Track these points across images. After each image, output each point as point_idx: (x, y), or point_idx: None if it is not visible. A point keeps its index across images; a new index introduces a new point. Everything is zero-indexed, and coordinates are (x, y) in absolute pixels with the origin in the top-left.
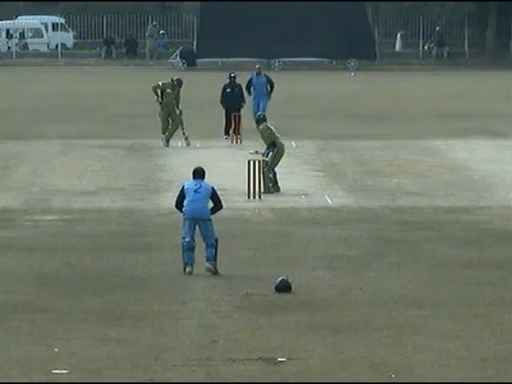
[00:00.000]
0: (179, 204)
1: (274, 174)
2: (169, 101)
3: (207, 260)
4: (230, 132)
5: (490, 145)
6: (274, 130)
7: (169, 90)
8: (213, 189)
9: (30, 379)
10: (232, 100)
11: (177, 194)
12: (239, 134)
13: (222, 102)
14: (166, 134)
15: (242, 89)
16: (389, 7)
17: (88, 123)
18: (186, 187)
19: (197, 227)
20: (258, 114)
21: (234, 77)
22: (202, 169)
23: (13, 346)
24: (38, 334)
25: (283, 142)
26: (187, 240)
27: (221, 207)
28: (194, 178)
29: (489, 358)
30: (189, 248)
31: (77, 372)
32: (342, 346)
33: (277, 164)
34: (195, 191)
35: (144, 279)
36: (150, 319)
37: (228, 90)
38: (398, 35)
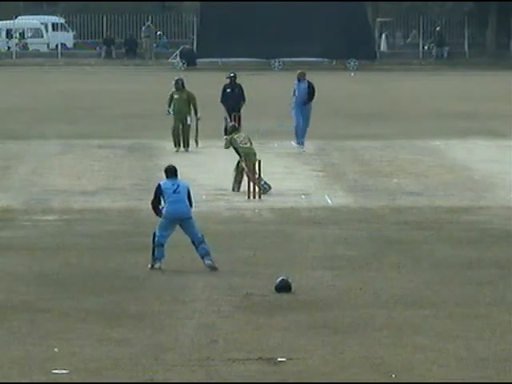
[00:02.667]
0: (156, 203)
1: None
2: (179, 108)
3: (203, 257)
4: None
5: (490, 145)
6: (242, 138)
7: (176, 96)
8: (188, 188)
9: (30, 379)
10: (232, 100)
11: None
12: None
13: (222, 101)
14: (182, 146)
15: (242, 88)
16: (389, 7)
17: (88, 123)
18: (162, 187)
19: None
20: (231, 124)
21: (233, 76)
22: (173, 167)
23: (13, 346)
24: (37, 334)
25: (251, 151)
26: (161, 235)
27: (191, 206)
28: (167, 177)
29: (489, 357)
30: (160, 243)
31: (77, 372)
32: (342, 346)
33: (253, 168)
34: (174, 192)
35: (144, 279)
36: (150, 319)
37: (228, 90)
38: (383, 35)
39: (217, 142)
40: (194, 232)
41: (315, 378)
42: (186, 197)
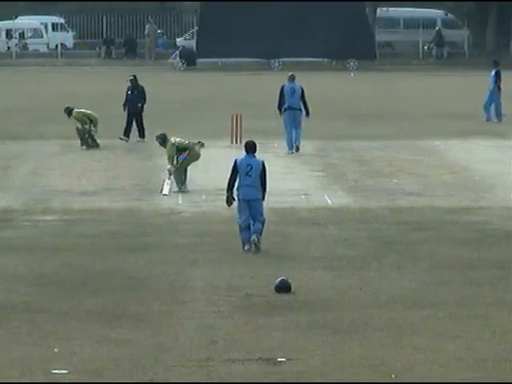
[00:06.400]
0: (232, 181)
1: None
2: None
3: (254, 232)
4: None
5: (490, 145)
6: (178, 141)
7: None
8: (263, 166)
9: (30, 379)
10: (132, 102)
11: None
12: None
13: (124, 104)
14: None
15: (143, 90)
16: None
17: None
18: (238, 164)
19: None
20: (159, 134)
21: (133, 78)
22: (253, 143)
23: (13, 346)
24: (37, 334)
25: (195, 147)
26: (243, 219)
27: (265, 190)
28: (246, 152)
29: (489, 357)
30: (246, 227)
31: (77, 372)
32: (341, 346)
33: (187, 165)
34: (247, 174)
35: (144, 279)
36: (150, 319)
37: (130, 92)
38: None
39: (216, 142)
40: (257, 212)
41: (315, 378)
42: (257, 178)
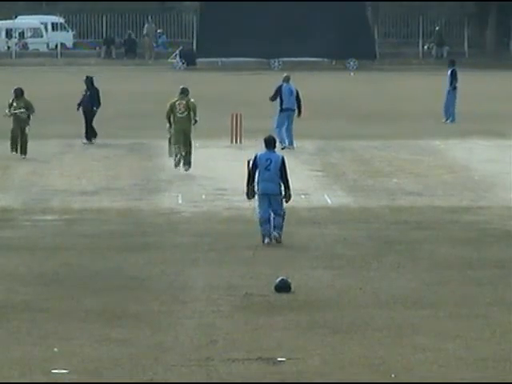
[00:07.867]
0: (251, 177)
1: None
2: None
3: (274, 228)
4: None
5: (490, 145)
6: (178, 104)
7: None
8: (282, 162)
9: (30, 379)
10: (86, 103)
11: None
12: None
13: (79, 104)
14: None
15: (97, 92)
16: (388, 7)
17: None
18: (258, 159)
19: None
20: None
21: (87, 79)
22: (273, 138)
23: (13, 346)
24: (37, 334)
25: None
26: (262, 213)
27: (288, 186)
28: (266, 147)
29: (489, 357)
30: (265, 220)
31: (77, 372)
32: (341, 346)
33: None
34: (266, 168)
35: (144, 279)
36: (150, 319)
37: (85, 92)
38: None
39: (217, 142)
40: (276, 207)
41: (315, 378)
42: (276, 173)
